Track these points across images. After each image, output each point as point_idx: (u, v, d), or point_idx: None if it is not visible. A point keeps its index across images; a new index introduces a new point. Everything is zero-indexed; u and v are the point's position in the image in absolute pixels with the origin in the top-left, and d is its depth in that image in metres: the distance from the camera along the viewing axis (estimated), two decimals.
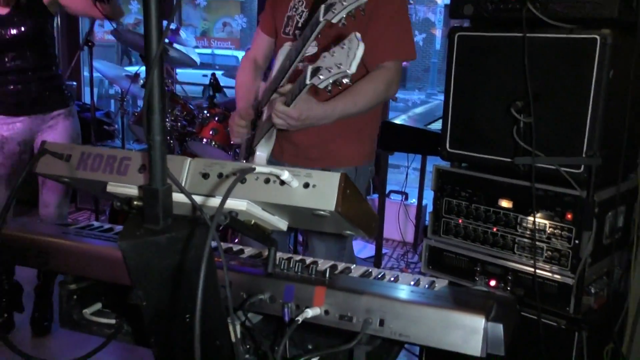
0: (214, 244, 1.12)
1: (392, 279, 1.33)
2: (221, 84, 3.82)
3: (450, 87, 2.33)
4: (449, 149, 2.35)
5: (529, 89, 2.06)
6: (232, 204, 1.05)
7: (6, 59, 2.62)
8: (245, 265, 1.28)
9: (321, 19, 1.54)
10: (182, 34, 4.36)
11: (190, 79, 8.58)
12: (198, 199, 1.08)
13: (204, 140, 3.52)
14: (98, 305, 1.43)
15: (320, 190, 1.02)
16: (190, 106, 3.80)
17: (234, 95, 4.38)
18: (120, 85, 4.24)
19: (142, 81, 4.06)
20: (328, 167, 2.08)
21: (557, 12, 2.05)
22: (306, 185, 1.03)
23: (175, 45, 4.23)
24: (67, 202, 2.96)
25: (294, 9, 2.09)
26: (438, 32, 20.12)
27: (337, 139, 2.09)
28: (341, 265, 1.41)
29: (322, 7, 1.55)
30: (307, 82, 1.50)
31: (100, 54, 5.59)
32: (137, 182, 1.12)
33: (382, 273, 1.35)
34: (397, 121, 3.50)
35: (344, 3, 1.48)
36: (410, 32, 2.12)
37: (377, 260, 3.85)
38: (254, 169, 0.96)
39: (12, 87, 2.65)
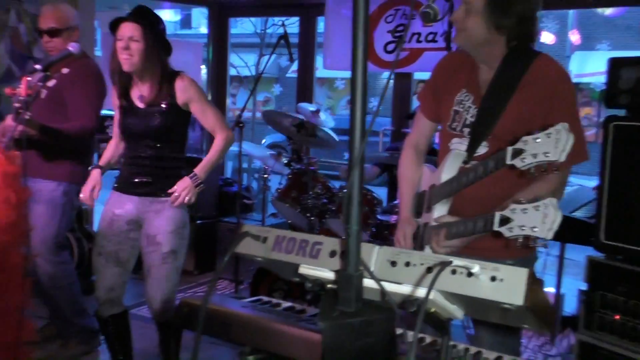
0: (399, 330, 1.18)
1: None
2: None
3: (605, 177, 2.29)
4: (603, 240, 2.29)
5: None
6: (420, 292, 1.11)
7: (136, 147, 2.80)
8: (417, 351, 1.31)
9: (508, 162, 1.56)
10: (322, 115, 4.55)
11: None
12: (385, 285, 1.15)
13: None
14: None
15: (507, 285, 1.05)
16: (330, 185, 3.97)
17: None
18: (263, 162, 4.52)
19: (284, 160, 4.31)
20: (496, 259, 2.06)
21: None
22: (493, 279, 1.07)
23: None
24: None
25: (461, 105, 2.08)
26: None
27: None
28: (507, 358, 1.41)
29: (510, 150, 1.56)
30: (495, 228, 1.49)
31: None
32: (328, 265, 1.21)
33: None
34: None
35: (537, 157, 1.47)
36: (583, 131, 2.00)
37: None
38: (451, 262, 1.02)
39: (133, 168, 2.82)
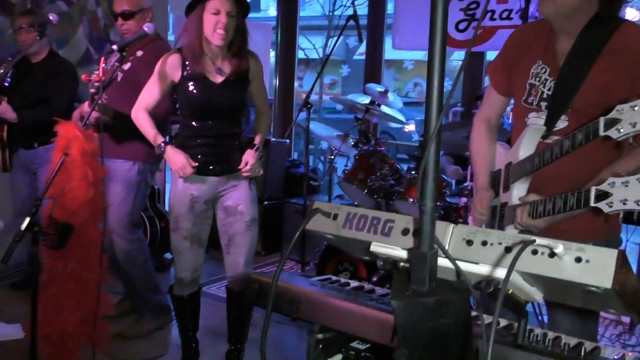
0: (474, 313, 1.14)
1: None
2: None
3: None
4: None
5: None
6: (497, 272, 1.06)
7: (207, 124, 2.79)
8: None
9: (601, 133, 1.48)
10: (390, 96, 4.51)
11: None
12: (460, 264, 1.11)
13: (411, 199, 3.59)
14: (339, 357, 1.50)
15: (594, 266, 0.99)
16: (398, 166, 3.92)
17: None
18: (330, 143, 4.51)
19: (351, 141, 4.28)
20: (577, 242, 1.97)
21: None
22: (578, 260, 1.01)
23: (383, 107, 4.40)
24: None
25: (537, 77, 1.97)
26: None
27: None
28: (588, 344, 1.33)
29: (602, 120, 1.48)
30: (592, 204, 1.42)
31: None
32: (400, 244, 1.17)
33: None
34: None
35: (636, 126, 1.39)
36: None
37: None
38: (534, 241, 0.97)
39: (204, 149, 2.80)
